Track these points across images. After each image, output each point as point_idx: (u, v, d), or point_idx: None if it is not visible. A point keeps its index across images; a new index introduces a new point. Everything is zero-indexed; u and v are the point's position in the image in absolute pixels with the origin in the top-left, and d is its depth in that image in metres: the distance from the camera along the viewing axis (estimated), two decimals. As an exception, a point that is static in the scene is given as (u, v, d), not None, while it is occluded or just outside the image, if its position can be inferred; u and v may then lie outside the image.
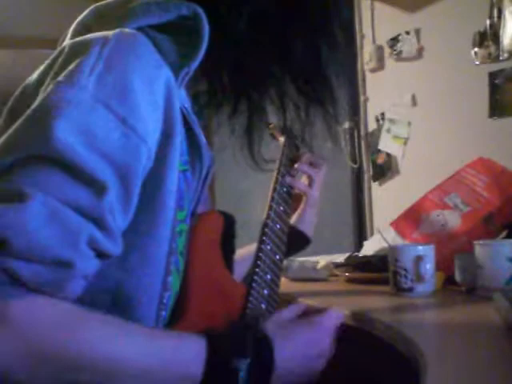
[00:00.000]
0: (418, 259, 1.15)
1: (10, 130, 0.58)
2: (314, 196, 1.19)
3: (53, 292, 0.55)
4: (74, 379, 0.57)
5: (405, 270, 1.15)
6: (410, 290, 1.15)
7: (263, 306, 0.89)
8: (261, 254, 0.93)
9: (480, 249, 1.13)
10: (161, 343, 0.63)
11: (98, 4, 0.75)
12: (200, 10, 0.70)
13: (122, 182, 0.59)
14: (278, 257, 0.96)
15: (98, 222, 0.57)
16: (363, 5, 2.45)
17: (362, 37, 2.45)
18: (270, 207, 1.00)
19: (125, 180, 0.60)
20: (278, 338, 0.72)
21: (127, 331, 0.61)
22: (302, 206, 1.20)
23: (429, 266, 1.15)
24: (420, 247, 1.20)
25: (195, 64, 0.70)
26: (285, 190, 1.06)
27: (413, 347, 0.78)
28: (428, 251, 1.17)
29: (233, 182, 2.46)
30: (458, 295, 1.18)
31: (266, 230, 0.96)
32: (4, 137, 0.58)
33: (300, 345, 0.76)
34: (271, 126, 1.11)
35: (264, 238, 0.95)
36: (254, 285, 0.89)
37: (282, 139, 1.16)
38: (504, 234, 1.34)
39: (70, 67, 0.61)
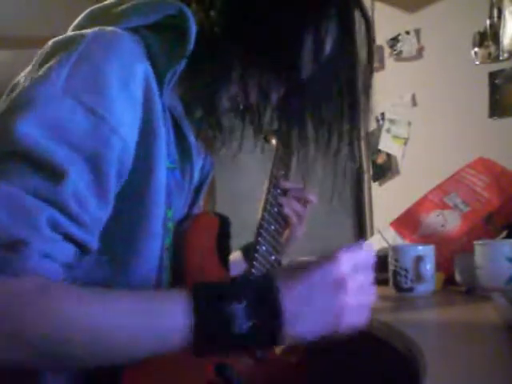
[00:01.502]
0: (418, 259, 1.15)
1: None
2: (300, 231, 1.08)
3: (10, 270, 0.55)
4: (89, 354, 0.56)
5: (405, 270, 1.15)
6: (410, 290, 1.15)
7: None
8: (256, 255, 0.93)
9: (480, 249, 1.13)
10: (147, 305, 0.59)
11: (93, 7, 0.76)
12: (186, 9, 0.70)
13: (93, 170, 0.61)
14: (273, 258, 0.96)
15: (59, 207, 0.58)
16: (363, 5, 2.45)
17: (362, 37, 2.45)
18: (265, 208, 1.00)
19: (96, 168, 0.61)
20: (282, 277, 0.63)
21: (103, 298, 0.58)
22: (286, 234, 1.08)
23: (429, 266, 1.15)
24: (420, 247, 1.20)
25: (182, 64, 0.70)
26: (279, 191, 1.06)
27: (413, 347, 0.78)
28: (428, 251, 1.17)
29: (232, 183, 2.46)
30: (458, 295, 1.18)
31: (261, 231, 0.96)
32: None
33: (312, 281, 0.63)
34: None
35: (259, 239, 0.95)
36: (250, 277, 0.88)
37: (274, 141, 1.15)
38: (504, 234, 1.34)
39: (48, 64, 0.63)
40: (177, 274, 0.77)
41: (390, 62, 2.33)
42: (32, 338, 0.54)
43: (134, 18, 0.70)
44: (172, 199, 0.73)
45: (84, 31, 0.67)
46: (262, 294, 0.60)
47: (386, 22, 2.35)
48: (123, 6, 0.72)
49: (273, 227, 0.99)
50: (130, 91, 0.64)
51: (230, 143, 0.78)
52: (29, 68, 0.68)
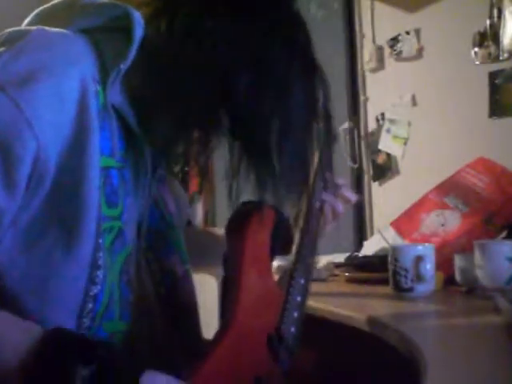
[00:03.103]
0: (418, 259, 1.15)
1: None
2: (329, 226, 1.08)
3: None
4: None
5: (405, 270, 1.15)
6: (410, 289, 1.15)
7: (295, 314, 0.85)
8: (299, 257, 0.89)
9: (480, 249, 1.13)
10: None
11: (42, 8, 0.78)
12: (132, 11, 0.73)
13: (2, 159, 0.63)
14: (311, 260, 0.92)
15: None
16: (363, 5, 2.44)
17: (362, 37, 2.45)
18: (310, 204, 0.94)
19: (4, 158, 0.63)
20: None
21: None
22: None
23: (429, 266, 1.15)
24: (420, 247, 1.20)
25: (127, 63, 0.71)
26: (318, 204, 0.98)
27: (413, 347, 0.78)
28: (428, 251, 1.17)
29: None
30: (458, 295, 1.18)
31: (306, 232, 0.92)
32: None
33: None
34: None
35: (305, 241, 0.91)
36: (291, 290, 0.86)
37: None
38: (504, 233, 1.34)
39: None
40: (233, 268, 0.78)
41: (389, 62, 2.32)
42: None
43: (84, 19, 0.74)
44: (116, 198, 0.73)
45: (29, 28, 0.70)
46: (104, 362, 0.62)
47: (386, 22, 2.34)
48: (73, 8, 0.75)
49: (314, 226, 0.93)
50: (61, 95, 0.66)
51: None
52: None
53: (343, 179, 1.07)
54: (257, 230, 0.81)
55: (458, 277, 1.21)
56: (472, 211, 1.35)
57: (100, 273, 0.72)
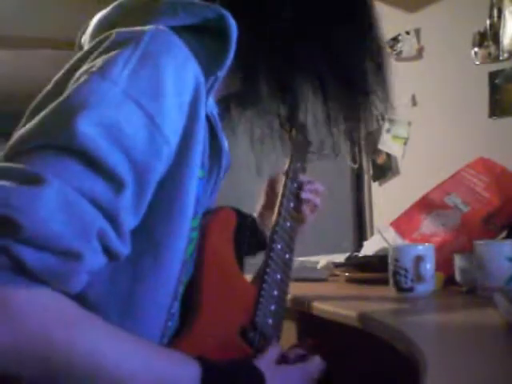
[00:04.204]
0: (418, 259, 1.15)
1: (37, 117, 0.57)
2: (310, 223, 1.12)
3: (58, 283, 0.53)
4: (64, 377, 0.54)
5: (405, 269, 1.15)
6: (410, 289, 1.15)
7: (272, 307, 0.88)
8: (272, 254, 0.91)
9: (480, 249, 1.13)
10: (158, 361, 0.61)
11: (120, 1, 0.73)
12: (226, 13, 0.67)
13: (138, 180, 0.58)
14: (287, 256, 0.94)
15: (112, 219, 0.56)
16: (363, 5, 2.45)
17: (362, 37, 2.45)
18: (281, 204, 0.98)
19: (141, 179, 0.58)
20: (269, 376, 0.71)
21: (124, 342, 0.58)
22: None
23: (429, 266, 1.15)
24: (420, 247, 1.20)
25: (223, 71, 0.68)
26: (295, 186, 1.04)
27: (413, 347, 0.78)
28: (428, 251, 1.17)
29: (233, 184, 2.45)
30: (458, 295, 1.18)
31: (277, 228, 0.94)
32: (31, 123, 0.57)
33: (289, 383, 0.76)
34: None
35: (275, 236, 0.93)
36: (264, 285, 0.87)
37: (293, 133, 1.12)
38: (504, 233, 1.34)
39: (106, 58, 0.60)
40: (195, 269, 0.77)
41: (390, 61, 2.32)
42: (53, 364, 0.53)
43: (173, 17, 0.68)
44: (199, 208, 0.71)
45: (142, 28, 0.64)
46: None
47: (386, 22, 2.34)
48: (159, 3, 0.69)
49: (288, 224, 0.97)
50: (181, 100, 0.62)
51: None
52: (70, 63, 0.65)
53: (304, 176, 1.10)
54: (217, 231, 0.82)
55: (457, 277, 1.21)
56: (472, 211, 1.35)
57: (181, 288, 0.70)
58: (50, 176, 0.52)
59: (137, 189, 0.58)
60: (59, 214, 0.51)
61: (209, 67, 0.67)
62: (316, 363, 0.84)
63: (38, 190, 0.51)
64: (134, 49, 0.61)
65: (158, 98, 0.59)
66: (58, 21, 2.72)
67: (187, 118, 0.63)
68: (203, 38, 0.68)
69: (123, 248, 0.58)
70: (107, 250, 0.57)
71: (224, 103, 0.79)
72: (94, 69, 0.59)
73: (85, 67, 0.61)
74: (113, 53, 0.60)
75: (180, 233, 0.65)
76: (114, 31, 0.64)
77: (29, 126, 0.57)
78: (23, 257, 0.50)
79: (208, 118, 0.70)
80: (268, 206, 1.11)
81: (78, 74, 0.61)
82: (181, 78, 0.62)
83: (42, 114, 0.57)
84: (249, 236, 0.95)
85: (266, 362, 0.74)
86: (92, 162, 0.55)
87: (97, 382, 0.55)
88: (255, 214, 1.12)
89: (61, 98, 0.58)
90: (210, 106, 0.70)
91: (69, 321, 0.54)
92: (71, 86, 0.59)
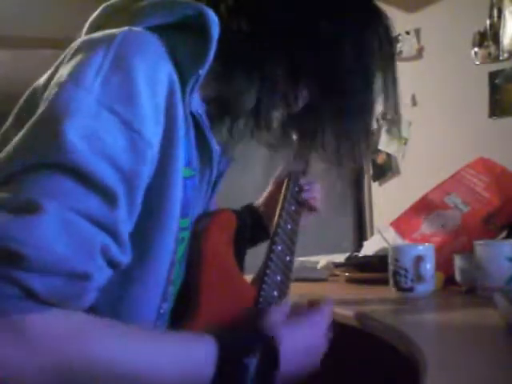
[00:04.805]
0: (418, 259, 1.15)
1: (19, 135, 0.56)
2: (307, 221, 1.11)
3: (68, 304, 0.54)
4: None
5: (405, 269, 1.15)
6: (410, 289, 1.15)
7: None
8: (272, 255, 0.91)
9: (480, 249, 1.13)
10: (173, 348, 0.62)
11: (107, 3, 0.73)
12: (206, 9, 0.67)
13: (128, 189, 0.58)
14: (288, 258, 0.94)
15: (112, 232, 0.56)
16: (363, 5, 2.45)
17: (362, 37, 2.45)
18: (283, 207, 0.98)
19: (131, 187, 0.58)
20: (282, 337, 0.72)
21: (139, 339, 0.59)
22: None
23: (429, 266, 1.15)
24: (420, 247, 1.20)
25: (205, 68, 0.67)
26: (297, 189, 1.04)
27: (413, 347, 0.78)
28: (428, 251, 1.17)
29: (234, 182, 2.44)
30: (458, 295, 1.18)
31: (278, 230, 0.94)
32: (13, 142, 0.56)
33: (301, 341, 0.76)
34: None
35: (275, 238, 0.93)
36: (264, 286, 0.87)
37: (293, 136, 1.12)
38: (504, 233, 1.34)
39: (75, 65, 0.60)
40: (192, 272, 0.77)
41: (389, 62, 2.32)
42: (77, 377, 0.54)
43: (154, 17, 0.67)
44: (189, 209, 0.71)
45: (113, 31, 0.63)
46: (268, 351, 0.70)
47: (385, 22, 2.35)
48: (141, 4, 0.69)
49: (289, 226, 0.97)
50: (156, 100, 0.61)
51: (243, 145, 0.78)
52: (51, 70, 0.65)
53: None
54: (217, 233, 0.82)
55: (457, 277, 1.21)
56: (472, 211, 1.35)
57: (171, 288, 0.70)
58: (44, 201, 0.52)
59: (128, 197, 0.58)
60: (60, 238, 0.52)
61: (192, 65, 0.66)
62: (325, 313, 0.83)
63: (36, 217, 0.51)
64: (106, 52, 0.60)
65: (132, 103, 0.59)
66: (58, 21, 2.72)
67: (165, 118, 0.63)
68: (186, 36, 0.68)
69: (125, 257, 0.59)
70: (111, 263, 0.57)
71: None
72: (66, 77, 0.59)
73: (58, 73, 0.61)
74: (81, 58, 0.60)
75: (167, 233, 0.65)
76: (75, 43, 0.64)
77: (14, 142, 0.56)
78: (31, 285, 0.50)
79: (193, 117, 0.70)
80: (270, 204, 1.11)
81: (55, 78, 0.61)
82: (154, 79, 0.61)
83: (26, 129, 0.57)
84: (249, 229, 0.96)
85: (274, 324, 0.75)
86: (83, 178, 0.54)
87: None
88: (258, 202, 1.13)
89: (41, 110, 0.57)
90: (194, 104, 0.69)
91: (83, 335, 0.55)
92: (48, 99, 0.58)
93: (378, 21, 0.82)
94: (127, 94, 0.59)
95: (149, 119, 0.60)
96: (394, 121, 0.88)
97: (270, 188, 1.12)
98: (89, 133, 0.56)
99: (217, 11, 0.69)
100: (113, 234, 0.56)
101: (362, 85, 0.79)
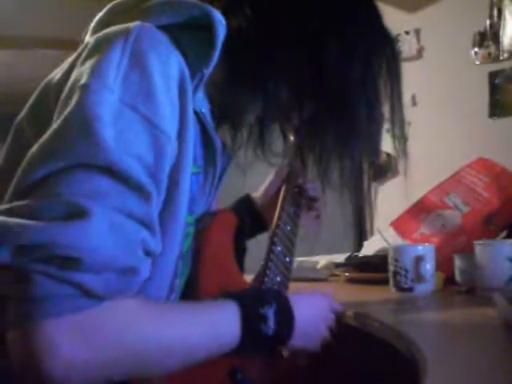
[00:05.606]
0: (418, 259, 1.15)
1: (45, 137, 0.57)
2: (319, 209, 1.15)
3: (122, 297, 0.57)
4: (164, 364, 0.61)
5: (405, 270, 1.15)
6: (410, 289, 1.15)
7: None
8: (271, 256, 0.92)
9: (480, 249, 1.13)
10: (208, 316, 0.67)
11: (115, 2, 0.74)
12: (212, 10, 0.68)
13: (155, 183, 0.60)
14: (288, 259, 0.95)
15: (148, 225, 0.58)
16: (363, 5, 2.45)
17: (362, 37, 2.45)
18: (283, 208, 0.98)
19: (157, 181, 0.60)
20: (292, 298, 0.76)
21: (180, 313, 0.64)
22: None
23: (429, 266, 1.15)
24: (420, 247, 1.20)
25: (210, 67, 0.68)
26: (296, 190, 1.04)
27: (413, 347, 0.78)
28: (428, 251, 1.17)
29: (234, 181, 2.44)
30: (458, 295, 1.18)
31: (277, 231, 0.95)
32: (39, 144, 0.57)
33: (310, 307, 0.81)
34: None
35: (275, 239, 0.94)
36: (263, 287, 0.88)
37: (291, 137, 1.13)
38: (504, 233, 1.34)
39: (95, 63, 0.60)
40: (192, 272, 0.78)
41: (389, 62, 2.33)
42: (131, 357, 0.57)
43: (161, 16, 0.68)
44: (193, 205, 0.72)
45: (126, 26, 0.64)
46: (283, 304, 0.74)
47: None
48: (149, 3, 0.70)
49: (289, 227, 0.98)
50: (171, 95, 0.63)
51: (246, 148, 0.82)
52: (65, 68, 0.66)
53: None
54: (217, 233, 0.83)
55: (457, 277, 1.21)
56: (472, 211, 1.35)
57: (177, 280, 0.72)
58: (89, 203, 0.53)
59: (156, 191, 0.60)
60: (109, 238, 0.54)
61: (196, 64, 0.67)
62: (326, 295, 0.88)
63: (85, 222, 0.53)
64: (123, 48, 0.61)
65: (151, 99, 0.60)
66: (58, 21, 2.72)
67: (179, 113, 0.64)
68: (192, 36, 0.69)
69: (159, 246, 0.62)
70: (148, 253, 0.60)
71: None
72: (89, 77, 0.59)
73: (77, 71, 0.62)
74: (102, 55, 0.61)
75: (178, 225, 0.67)
76: (89, 40, 0.65)
77: (40, 145, 0.57)
78: (87, 284, 0.53)
79: (197, 115, 0.71)
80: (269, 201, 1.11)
81: (72, 76, 0.61)
82: (167, 74, 0.63)
83: (52, 130, 0.57)
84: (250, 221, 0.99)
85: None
86: (118, 176, 0.56)
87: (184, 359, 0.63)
88: (256, 195, 1.13)
89: (68, 112, 0.58)
90: (198, 102, 0.70)
91: (137, 320, 0.58)
92: (74, 97, 0.59)
93: (387, 45, 0.83)
94: (146, 90, 0.60)
95: (167, 114, 0.61)
96: (394, 122, 0.88)
97: (270, 178, 1.13)
98: (117, 132, 0.57)
99: (227, 20, 0.70)
100: (148, 226, 0.58)
101: (367, 105, 0.80)
